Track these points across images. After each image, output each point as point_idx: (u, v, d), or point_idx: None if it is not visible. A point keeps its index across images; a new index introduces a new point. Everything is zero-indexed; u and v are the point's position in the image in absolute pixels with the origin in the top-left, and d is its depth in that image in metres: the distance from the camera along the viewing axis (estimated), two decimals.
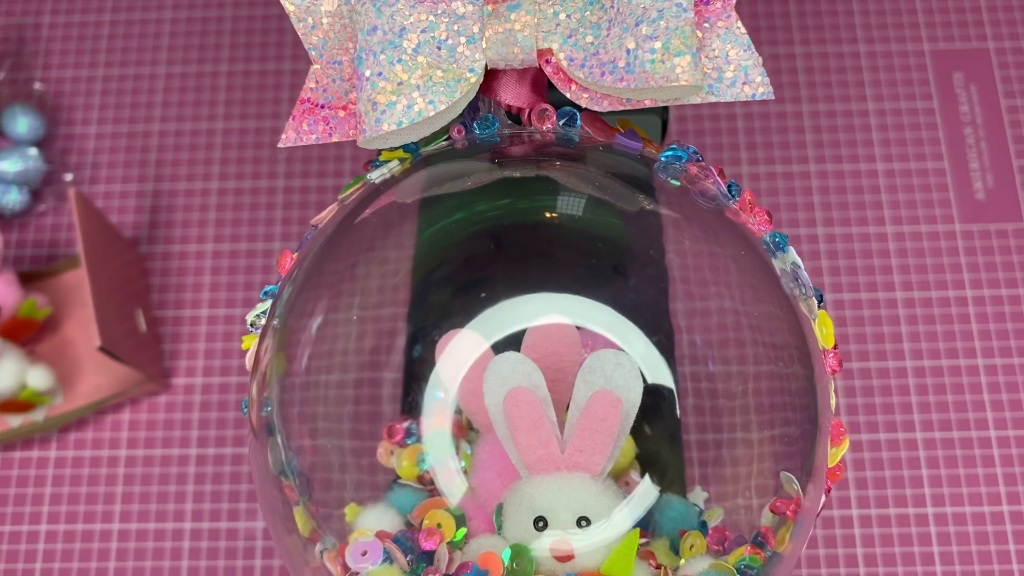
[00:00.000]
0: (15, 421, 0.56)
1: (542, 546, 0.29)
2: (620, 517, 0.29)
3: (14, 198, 0.59)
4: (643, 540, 0.31)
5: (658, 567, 0.31)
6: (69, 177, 0.61)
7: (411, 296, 0.33)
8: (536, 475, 0.30)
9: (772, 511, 0.31)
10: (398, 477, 0.36)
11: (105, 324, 0.51)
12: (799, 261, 0.31)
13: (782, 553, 0.31)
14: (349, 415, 0.35)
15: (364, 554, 0.30)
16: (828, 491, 0.31)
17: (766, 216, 0.31)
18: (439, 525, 0.32)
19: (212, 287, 0.61)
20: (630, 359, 0.30)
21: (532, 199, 0.31)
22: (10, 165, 0.58)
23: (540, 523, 0.29)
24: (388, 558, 0.31)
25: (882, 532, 0.54)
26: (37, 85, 0.63)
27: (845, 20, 0.65)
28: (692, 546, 0.32)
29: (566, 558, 0.29)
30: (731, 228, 0.31)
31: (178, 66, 0.65)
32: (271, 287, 0.32)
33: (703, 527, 0.33)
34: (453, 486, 0.31)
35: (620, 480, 0.35)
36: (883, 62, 0.64)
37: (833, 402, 0.31)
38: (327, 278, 0.32)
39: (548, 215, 0.31)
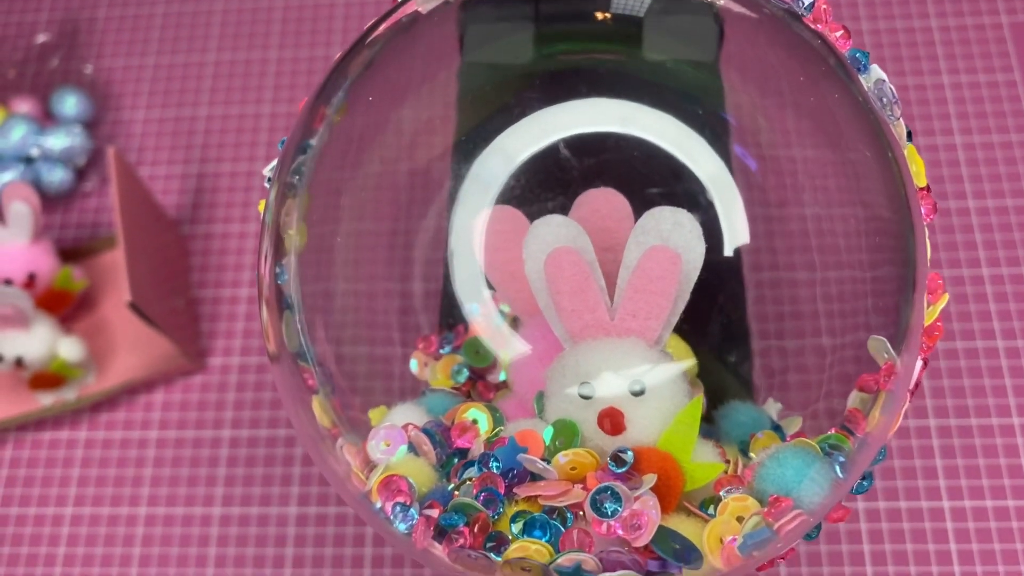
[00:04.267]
0: (47, 400, 0.54)
1: (588, 418, 0.25)
2: (678, 383, 0.25)
3: (60, 176, 0.58)
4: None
5: (727, 460, 0.26)
6: None
7: (456, 145, 0.29)
8: (582, 343, 0.26)
9: (860, 388, 0.27)
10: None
11: (137, 283, 0.49)
12: (884, 76, 0.27)
13: (872, 432, 0.26)
14: (380, 306, 0.31)
15: (387, 445, 0.27)
16: (926, 359, 0.27)
17: (844, 31, 0.27)
18: (475, 421, 0.28)
19: (253, 268, 0.59)
20: (691, 218, 0.26)
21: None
22: (56, 142, 0.58)
23: (586, 389, 0.25)
24: (414, 451, 0.27)
25: (978, 527, 0.48)
26: (87, 68, 0.63)
27: None
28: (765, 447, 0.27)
29: (617, 428, 0.25)
30: (809, 36, 0.27)
31: (227, 53, 0.65)
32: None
33: (778, 432, 0.28)
34: (498, 347, 0.27)
35: None
36: (957, 36, 0.61)
37: (928, 252, 0.27)
38: (355, 127, 0.29)
39: (601, 15, 0.27)
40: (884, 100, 0.26)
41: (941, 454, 0.50)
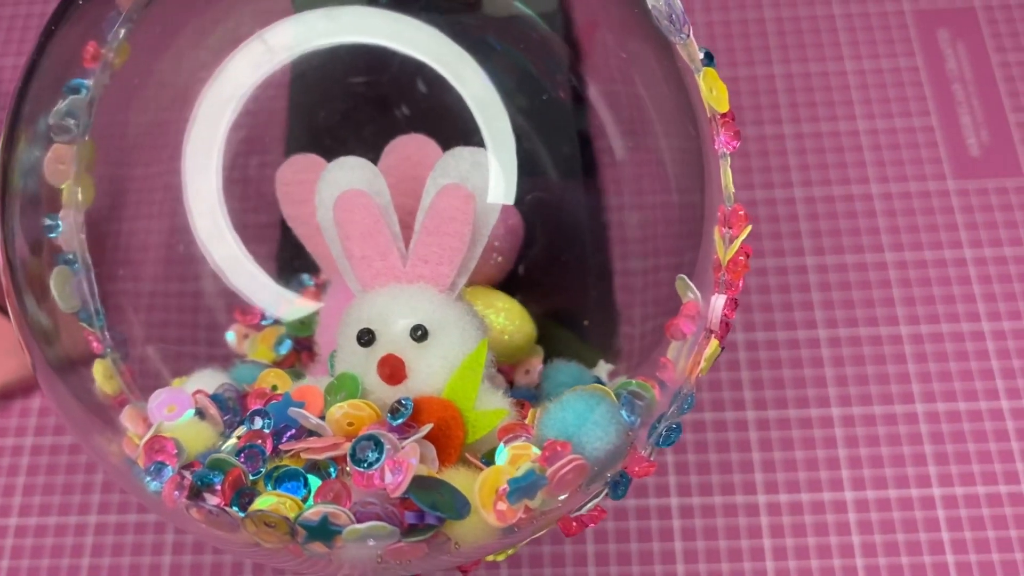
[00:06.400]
0: None
1: (371, 370, 0.23)
2: (468, 330, 0.23)
3: None
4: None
5: (523, 409, 0.24)
6: None
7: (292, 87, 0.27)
8: (369, 292, 0.24)
9: (668, 334, 0.25)
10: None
11: None
12: None
13: (675, 375, 0.24)
14: (197, 269, 0.29)
15: (172, 410, 0.25)
16: (734, 296, 0.24)
17: None
18: (274, 387, 0.26)
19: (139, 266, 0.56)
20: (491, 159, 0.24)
21: None
22: None
23: (366, 336, 0.23)
24: (200, 415, 0.25)
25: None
26: None
27: None
28: None
29: (396, 377, 0.23)
30: None
31: None
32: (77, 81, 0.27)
33: None
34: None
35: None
36: (860, 23, 0.60)
37: (728, 183, 0.25)
38: (148, 69, 0.27)
39: None
40: (673, 18, 0.25)
41: (800, 445, 0.48)
